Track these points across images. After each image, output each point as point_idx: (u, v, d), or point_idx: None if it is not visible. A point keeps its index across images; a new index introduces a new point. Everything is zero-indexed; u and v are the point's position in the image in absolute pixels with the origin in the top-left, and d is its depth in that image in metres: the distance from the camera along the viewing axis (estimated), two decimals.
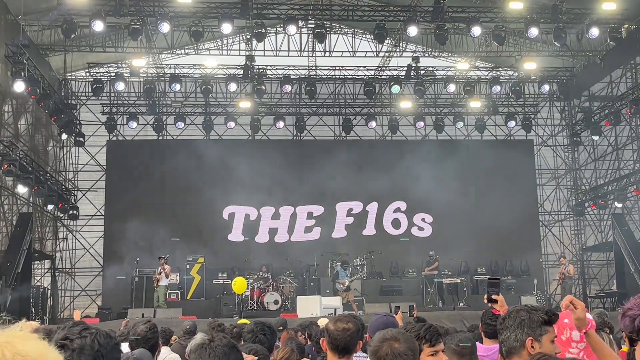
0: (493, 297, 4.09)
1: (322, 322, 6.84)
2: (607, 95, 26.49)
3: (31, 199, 23.36)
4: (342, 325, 4.15)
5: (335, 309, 17.57)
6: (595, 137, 26.52)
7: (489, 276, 6.53)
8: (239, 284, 17.13)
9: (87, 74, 26.24)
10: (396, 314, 7.70)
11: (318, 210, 26.51)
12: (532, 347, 3.31)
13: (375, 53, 25.53)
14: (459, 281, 22.51)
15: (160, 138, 27.38)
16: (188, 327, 9.11)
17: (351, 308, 19.54)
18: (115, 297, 23.44)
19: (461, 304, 21.16)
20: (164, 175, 26.09)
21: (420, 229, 26.61)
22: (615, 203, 24.25)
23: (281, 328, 8.07)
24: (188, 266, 22.22)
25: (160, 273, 20.09)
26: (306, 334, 7.92)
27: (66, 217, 25.94)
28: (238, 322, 11.41)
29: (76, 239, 26.70)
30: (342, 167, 26.24)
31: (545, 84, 25.99)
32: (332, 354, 4.17)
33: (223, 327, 7.29)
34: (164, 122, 26.82)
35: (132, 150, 26.97)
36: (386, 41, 23.47)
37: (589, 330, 3.43)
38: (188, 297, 21.85)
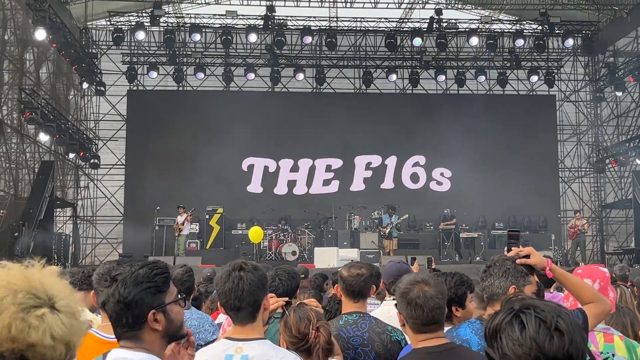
0: (513, 249, 4.12)
1: None
2: (633, 50, 26.02)
3: (53, 147, 23.61)
4: (355, 271, 4.24)
5: (351, 260, 17.72)
6: (619, 93, 26.19)
7: (509, 229, 6.58)
8: (256, 233, 17.37)
9: (108, 23, 26.12)
10: (412, 265, 7.81)
11: (337, 163, 26.55)
12: None
13: (397, 5, 25.17)
14: (476, 235, 22.58)
15: (180, 89, 27.42)
16: (208, 274, 9.26)
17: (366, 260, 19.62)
18: (135, 245, 23.77)
19: (478, 258, 21.26)
20: (183, 126, 26.11)
21: (439, 183, 26.59)
22: (637, 160, 24.05)
23: (303, 276, 8.21)
24: (207, 216, 22.43)
25: (183, 223, 20.24)
26: (330, 282, 8.08)
27: (87, 166, 26.22)
28: None
29: (97, 187, 27.01)
30: (362, 121, 26.12)
31: (569, 38, 25.46)
32: (347, 299, 4.27)
33: None
34: (184, 73, 26.81)
35: (152, 101, 26.98)
36: None
37: (552, 266, 3.48)
38: (207, 247, 22.09)
